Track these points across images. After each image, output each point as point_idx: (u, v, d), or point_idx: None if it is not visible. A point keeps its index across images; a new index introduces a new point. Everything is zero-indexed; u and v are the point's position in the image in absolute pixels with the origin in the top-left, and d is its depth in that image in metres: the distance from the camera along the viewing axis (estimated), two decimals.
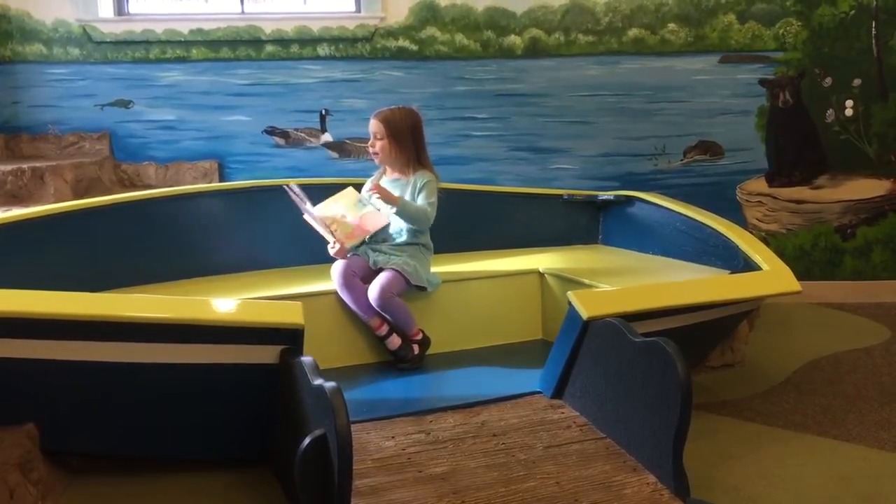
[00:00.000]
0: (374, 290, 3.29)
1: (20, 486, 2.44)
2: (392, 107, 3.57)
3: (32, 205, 3.84)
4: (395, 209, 3.39)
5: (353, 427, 2.23)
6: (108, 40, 4.84)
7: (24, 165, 4.19)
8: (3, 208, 3.81)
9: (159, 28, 4.86)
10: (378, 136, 3.52)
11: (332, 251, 3.38)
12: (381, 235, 3.48)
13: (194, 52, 4.90)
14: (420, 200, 3.46)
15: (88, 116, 4.88)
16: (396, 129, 3.50)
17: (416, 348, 3.40)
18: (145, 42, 4.86)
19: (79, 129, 4.87)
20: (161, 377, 2.50)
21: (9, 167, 4.15)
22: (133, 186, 4.81)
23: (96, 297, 2.60)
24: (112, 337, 2.40)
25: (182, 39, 4.88)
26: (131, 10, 4.97)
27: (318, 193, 3.93)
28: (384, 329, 3.37)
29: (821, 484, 2.70)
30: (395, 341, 3.39)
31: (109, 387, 2.50)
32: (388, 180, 3.56)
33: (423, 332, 3.44)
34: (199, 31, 4.88)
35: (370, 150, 3.57)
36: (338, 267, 3.36)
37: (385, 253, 3.43)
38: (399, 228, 3.49)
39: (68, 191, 4.23)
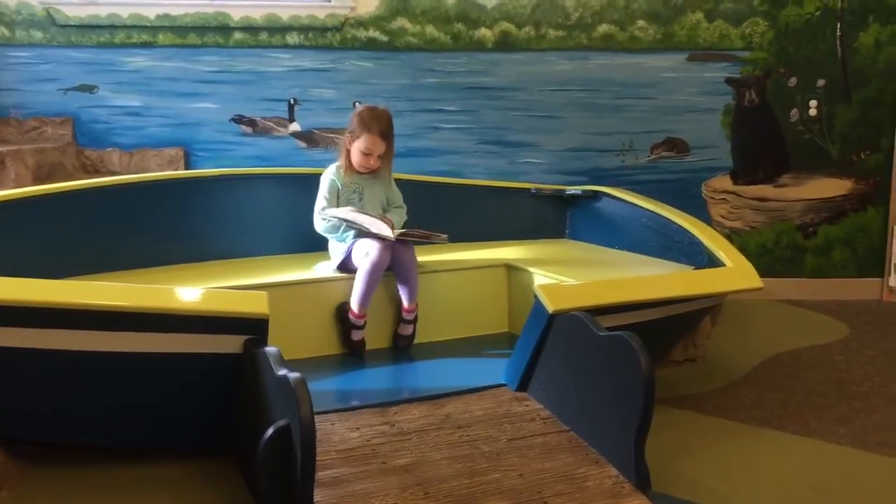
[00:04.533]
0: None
1: None
2: (372, 109, 3.52)
3: None
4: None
5: (317, 418, 2.22)
6: (72, 24, 4.75)
7: None
8: None
9: (125, 12, 4.78)
10: (379, 153, 3.51)
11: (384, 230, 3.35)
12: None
13: (161, 37, 4.83)
14: (397, 201, 3.67)
15: (51, 101, 4.79)
16: (393, 138, 3.54)
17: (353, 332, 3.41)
18: (111, 26, 4.78)
19: (41, 113, 4.78)
20: (123, 366, 2.47)
21: None
22: (97, 173, 4.73)
23: (56, 283, 2.56)
24: (73, 325, 2.36)
25: (148, 24, 4.80)
26: None
27: (289, 183, 3.93)
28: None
29: (778, 478, 2.74)
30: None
31: (69, 375, 2.47)
32: (360, 178, 3.55)
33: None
34: (167, 16, 4.81)
35: (366, 166, 3.51)
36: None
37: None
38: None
39: (29, 176, 4.15)
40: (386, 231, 3.32)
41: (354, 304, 3.36)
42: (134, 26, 4.80)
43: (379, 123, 3.47)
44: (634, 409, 2.45)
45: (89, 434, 2.67)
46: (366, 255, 3.32)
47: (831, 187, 5.21)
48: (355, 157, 3.51)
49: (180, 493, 2.57)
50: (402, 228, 3.47)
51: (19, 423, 2.57)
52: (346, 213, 3.42)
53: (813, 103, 5.13)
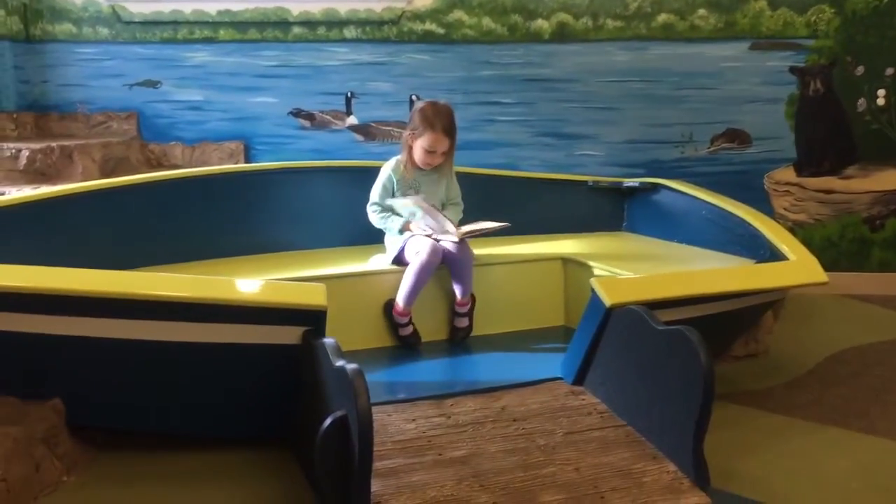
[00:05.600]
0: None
1: (46, 459, 2.49)
2: (435, 105, 3.47)
3: (61, 183, 3.89)
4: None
5: (374, 409, 2.23)
6: (136, 20, 4.87)
7: (53, 144, 4.23)
8: (32, 186, 3.86)
9: (187, 8, 4.88)
10: (443, 150, 3.48)
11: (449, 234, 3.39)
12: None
13: (222, 32, 4.91)
14: (456, 197, 3.67)
15: (117, 96, 4.92)
16: (456, 134, 3.50)
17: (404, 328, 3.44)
18: (173, 22, 4.89)
19: (107, 108, 4.91)
20: (185, 356, 2.53)
21: (38, 145, 4.19)
22: (160, 166, 4.85)
23: (122, 274, 2.62)
24: (137, 315, 2.43)
25: (210, 20, 4.90)
26: None
27: (346, 176, 3.97)
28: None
29: (842, 476, 2.68)
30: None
31: (134, 364, 2.53)
32: (420, 174, 3.54)
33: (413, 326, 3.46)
34: (227, 12, 4.89)
35: (430, 163, 3.48)
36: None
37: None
38: None
39: (96, 170, 4.27)
40: (450, 234, 3.33)
41: (400, 301, 3.38)
42: (196, 22, 4.89)
43: (442, 121, 3.43)
44: (693, 404, 2.41)
45: (152, 422, 2.73)
46: (416, 253, 3.33)
47: None
48: (418, 155, 3.49)
49: (240, 481, 2.62)
50: (461, 226, 3.46)
51: (86, 410, 2.64)
52: (417, 209, 3.41)
53: (881, 93, 4.97)
